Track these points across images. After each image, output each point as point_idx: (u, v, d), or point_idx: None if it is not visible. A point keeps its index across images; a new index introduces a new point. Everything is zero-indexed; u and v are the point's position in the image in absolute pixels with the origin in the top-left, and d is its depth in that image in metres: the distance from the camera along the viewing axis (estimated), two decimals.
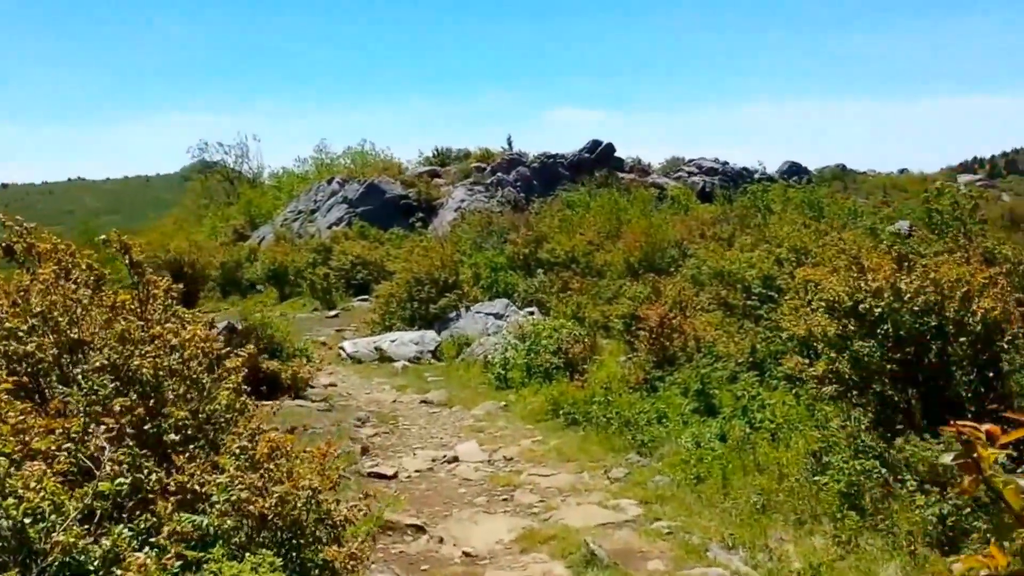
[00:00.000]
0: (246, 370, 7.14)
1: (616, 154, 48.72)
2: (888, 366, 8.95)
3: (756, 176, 49.62)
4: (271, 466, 6.00)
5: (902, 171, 65.41)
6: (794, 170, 54.20)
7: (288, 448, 6.38)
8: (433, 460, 11.12)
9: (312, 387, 16.27)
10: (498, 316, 21.50)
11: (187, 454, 5.93)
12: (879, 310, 8.88)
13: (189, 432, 6.39)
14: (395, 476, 10.44)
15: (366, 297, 28.52)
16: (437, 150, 48.29)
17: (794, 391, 11.84)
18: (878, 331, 8.99)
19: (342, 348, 20.44)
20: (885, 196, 45.19)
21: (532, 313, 21.76)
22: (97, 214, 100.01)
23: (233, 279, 34.59)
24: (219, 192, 52.26)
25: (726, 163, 52.39)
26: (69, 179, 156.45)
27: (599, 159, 46.82)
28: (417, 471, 10.73)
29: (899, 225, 24.17)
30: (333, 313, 28.11)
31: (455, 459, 11.12)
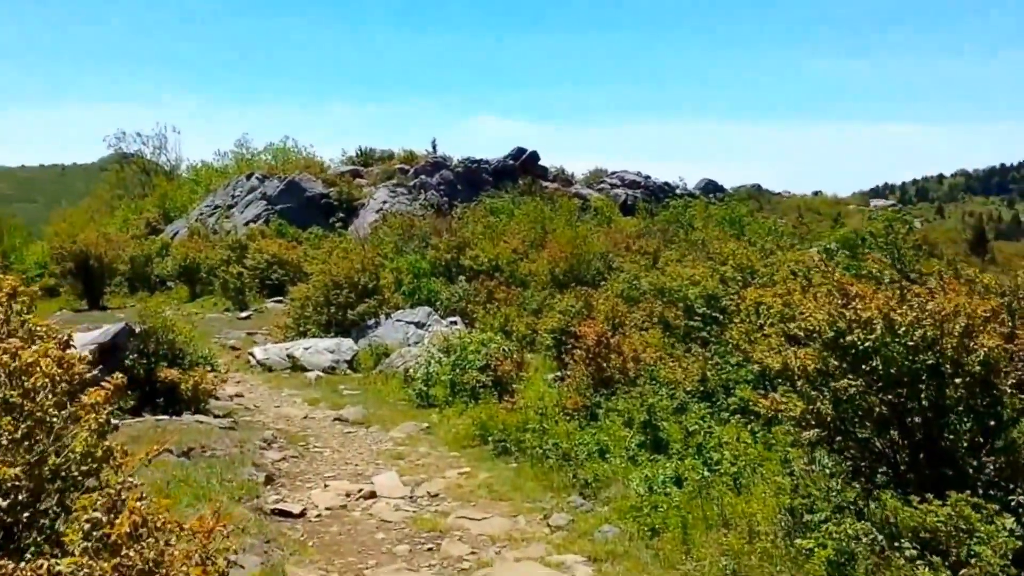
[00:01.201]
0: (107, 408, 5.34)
1: (540, 163, 47.64)
2: (876, 409, 7.60)
3: (677, 191, 49.17)
4: (133, 550, 4.24)
5: (816, 193, 65.71)
6: (711, 187, 53.84)
7: (160, 519, 4.58)
8: (347, 495, 9.33)
9: (216, 398, 14.37)
10: (420, 325, 19.81)
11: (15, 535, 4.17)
12: (868, 344, 7.51)
13: (21, 497, 4.61)
14: (303, 515, 8.64)
15: (281, 299, 26.47)
16: (360, 150, 46.33)
17: (749, 426, 10.52)
18: (864, 367, 7.64)
19: (252, 354, 18.48)
20: (800, 217, 45.07)
21: (455, 323, 20.14)
22: (10, 201, 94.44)
23: (142, 274, 32.22)
24: (134, 183, 49.12)
25: (648, 177, 51.74)
26: None
27: (523, 166, 45.63)
28: (328, 509, 8.94)
29: (813, 248, 23.40)
30: (245, 315, 26.04)
31: (372, 495, 9.35)
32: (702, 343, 14.05)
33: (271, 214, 36.24)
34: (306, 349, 18.03)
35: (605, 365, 13.42)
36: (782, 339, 9.15)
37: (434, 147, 45.67)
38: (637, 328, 15.87)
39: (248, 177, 40.04)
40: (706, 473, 8.74)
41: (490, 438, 11.62)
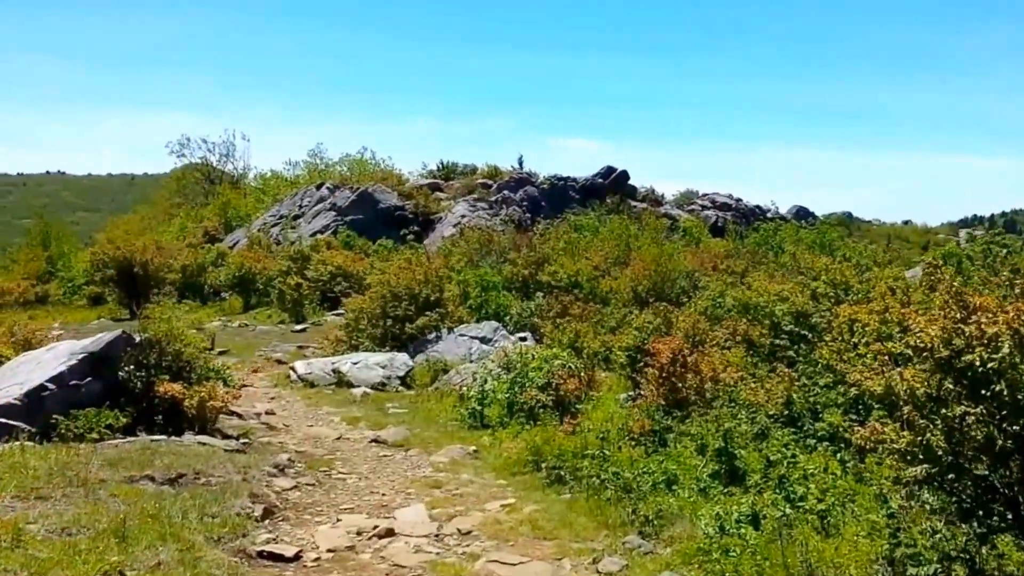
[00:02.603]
0: None
1: (630, 182, 47.18)
2: (998, 441, 6.46)
3: (768, 215, 49.07)
4: None
5: (906, 222, 65.95)
6: (803, 213, 53.96)
7: None
8: (359, 533, 8.43)
9: (239, 416, 13.85)
10: (485, 340, 19.11)
11: None
12: (991, 365, 6.39)
13: None
14: (297, 558, 7.66)
15: (341, 312, 26.15)
16: (442, 164, 46.28)
17: (839, 455, 9.43)
18: (984, 392, 6.52)
19: (292, 369, 17.98)
20: (889, 243, 45.57)
21: (524, 339, 19.35)
22: (73, 209, 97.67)
23: (194, 284, 32.37)
24: (196, 191, 49.85)
25: (739, 200, 51.78)
26: (47, 172, 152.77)
27: (612, 185, 45.24)
28: (331, 551, 7.94)
29: (911, 273, 22.28)
30: (300, 327, 25.88)
31: (390, 532, 8.43)
32: (788, 363, 12.96)
33: (340, 225, 36.22)
34: (354, 364, 17.44)
35: (680, 385, 12.44)
36: (884, 358, 8.07)
37: (520, 163, 45.67)
38: (719, 347, 14.82)
39: (318, 187, 40.20)
40: (788, 510, 7.66)
41: (544, 464, 10.72)
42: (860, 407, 10.05)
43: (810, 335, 13.84)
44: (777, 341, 14.12)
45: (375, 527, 8.59)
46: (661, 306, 17.32)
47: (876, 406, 8.11)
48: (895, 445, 6.71)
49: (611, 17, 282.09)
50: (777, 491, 8.23)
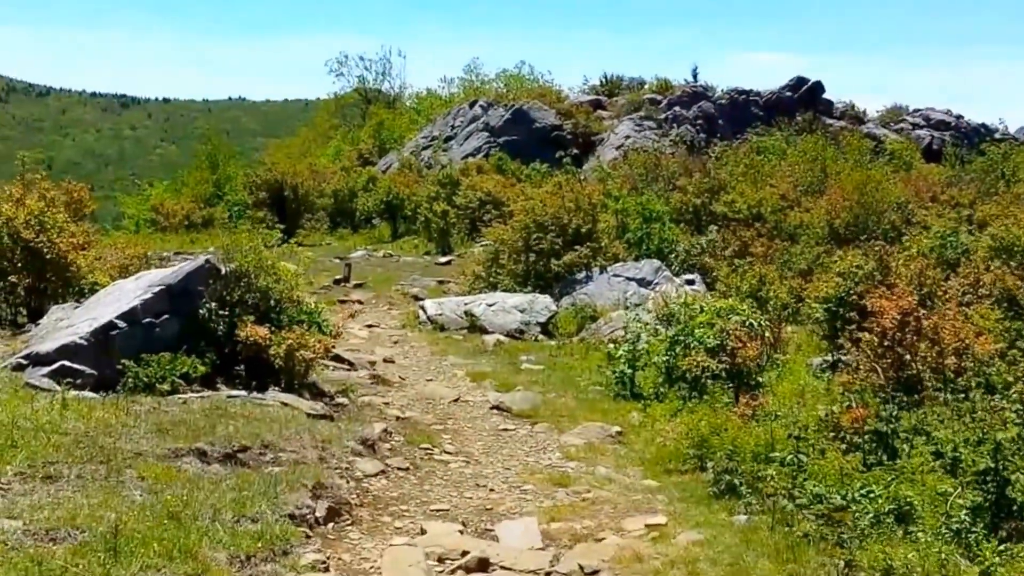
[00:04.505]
0: None
1: (824, 96, 41.79)
2: None
3: (996, 135, 42.27)
4: None
5: None
6: None
7: None
8: (440, 560, 5.95)
9: (349, 364, 11.71)
10: (644, 283, 16.26)
11: None
12: None
13: None
14: None
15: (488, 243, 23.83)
16: (605, 77, 42.59)
17: None
18: None
19: (422, 308, 15.68)
20: None
21: (691, 283, 16.38)
22: (254, 135, 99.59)
23: (346, 210, 30.75)
24: (353, 112, 48.37)
25: (960, 117, 44.87)
26: (230, 98, 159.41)
27: (803, 100, 40.14)
28: None
29: None
30: (446, 259, 23.81)
31: (482, 566, 5.89)
32: None
33: (492, 147, 33.80)
34: (489, 306, 14.98)
35: (909, 358, 9.29)
36: None
37: (694, 76, 41.32)
38: (956, 303, 11.40)
39: (471, 105, 37.80)
40: None
41: (710, 463, 7.91)
42: None
43: None
44: None
45: (464, 553, 6.05)
46: (876, 245, 13.85)
47: None
48: None
49: None
50: None
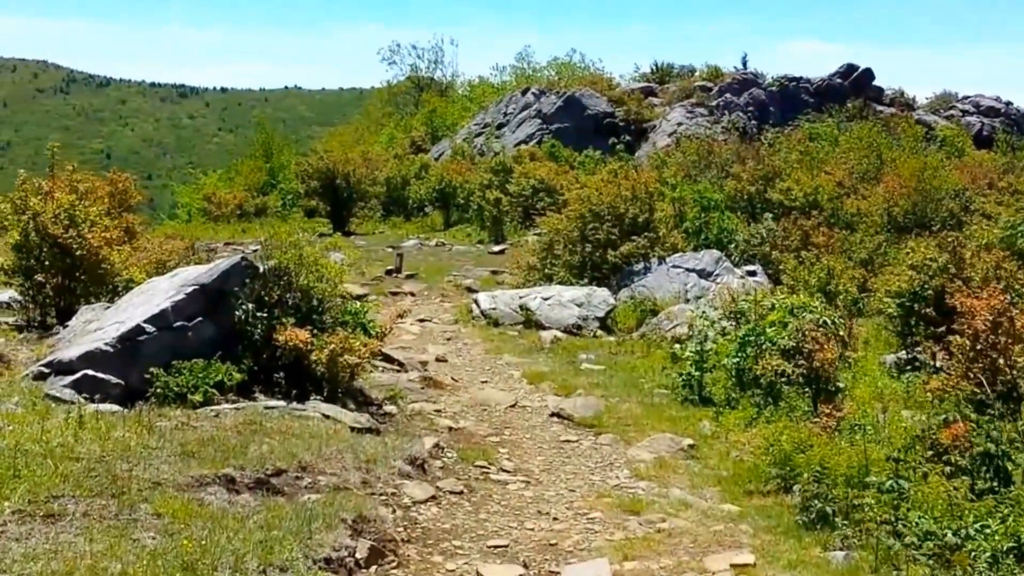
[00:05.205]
0: None
1: (875, 83, 40.42)
2: None
3: None
4: None
5: None
6: None
7: None
8: None
9: (399, 365, 10.95)
10: (704, 274, 15.37)
11: None
12: None
13: None
14: None
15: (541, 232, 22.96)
16: (656, 65, 41.57)
17: None
18: None
19: (476, 302, 14.89)
20: None
21: (754, 274, 15.43)
22: (308, 124, 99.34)
23: (399, 198, 30.03)
24: (406, 100, 47.67)
25: (1010, 103, 43.27)
26: (286, 87, 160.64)
27: (853, 86, 38.84)
28: None
29: None
30: (499, 248, 23.00)
31: None
32: None
33: (545, 134, 32.91)
34: (545, 300, 14.14)
35: (1002, 363, 8.31)
36: None
37: (744, 64, 40.22)
38: None
39: (523, 93, 36.91)
40: None
41: (795, 484, 7.01)
42: None
43: None
44: None
45: None
46: (948, 236, 12.79)
47: None
48: None
49: None
50: None
